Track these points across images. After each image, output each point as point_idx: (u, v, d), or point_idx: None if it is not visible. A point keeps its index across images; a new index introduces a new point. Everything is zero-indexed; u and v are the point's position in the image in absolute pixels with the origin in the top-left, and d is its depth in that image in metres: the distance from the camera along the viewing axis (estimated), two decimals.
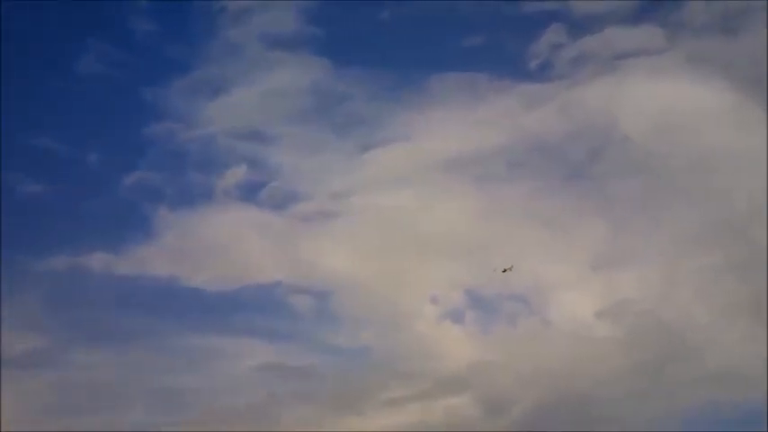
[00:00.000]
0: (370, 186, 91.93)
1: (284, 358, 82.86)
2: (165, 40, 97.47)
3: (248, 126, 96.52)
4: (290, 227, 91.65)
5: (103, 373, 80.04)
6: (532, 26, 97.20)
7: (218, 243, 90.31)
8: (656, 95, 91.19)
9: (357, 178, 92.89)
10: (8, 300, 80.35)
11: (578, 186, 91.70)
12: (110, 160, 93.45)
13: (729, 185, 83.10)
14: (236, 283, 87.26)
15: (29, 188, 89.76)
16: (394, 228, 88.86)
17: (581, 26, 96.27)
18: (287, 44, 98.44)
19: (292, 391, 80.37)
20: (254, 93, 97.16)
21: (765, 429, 68.24)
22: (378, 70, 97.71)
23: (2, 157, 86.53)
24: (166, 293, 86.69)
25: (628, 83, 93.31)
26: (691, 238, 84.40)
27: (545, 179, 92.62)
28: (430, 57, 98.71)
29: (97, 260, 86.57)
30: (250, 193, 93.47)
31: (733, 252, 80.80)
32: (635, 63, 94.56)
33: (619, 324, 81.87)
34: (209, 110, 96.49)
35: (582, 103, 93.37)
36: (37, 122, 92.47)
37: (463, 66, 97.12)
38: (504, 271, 78.16)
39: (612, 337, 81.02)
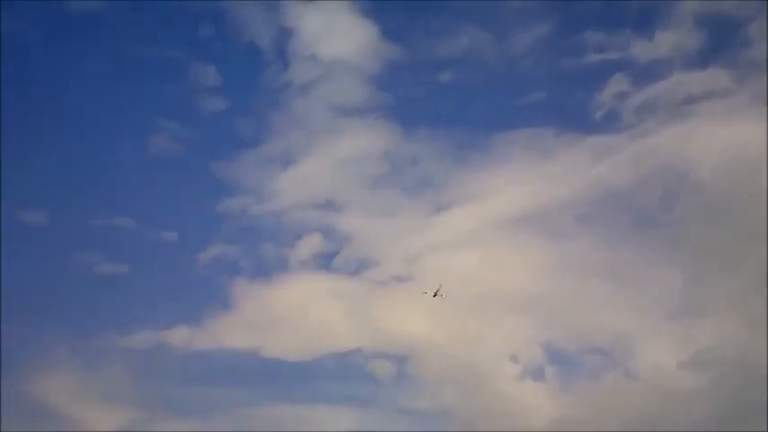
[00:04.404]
0: (442, 248, 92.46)
1: (367, 425, 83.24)
2: (233, 115, 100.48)
3: (320, 195, 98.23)
4: (366, 293, 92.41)
5: None
6: (595, 77, 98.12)
7: (295, 313, 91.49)
8: (726, 138, 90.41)
9: (429, 240, 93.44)
10: (94, 375, 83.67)
11: (650, 235, 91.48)
12: (186, 237, 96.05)
13: None
14: (314, 352, 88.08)
15: (109, 268, 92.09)
16: (468, 287, 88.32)
17: (645, 73, 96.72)
18: (354, 112, 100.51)
19: None
20: (324, 162, 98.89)
21: None
22: (444, 132, 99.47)
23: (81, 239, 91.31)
24: (246, 365, 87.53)
25: (697, 127, 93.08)
26: None
27: (616, 230, 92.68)
28: (494, 115, 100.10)
29: (178, 335, 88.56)
30: (324, 261, 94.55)
31: None
32: (703, 107, 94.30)
33: (703, 373, 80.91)
34: (280, 182, 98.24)
35: (651, 151, 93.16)
36: (114, 204, 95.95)
37: (527, 122, 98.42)
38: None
39: (697, 387, 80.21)
